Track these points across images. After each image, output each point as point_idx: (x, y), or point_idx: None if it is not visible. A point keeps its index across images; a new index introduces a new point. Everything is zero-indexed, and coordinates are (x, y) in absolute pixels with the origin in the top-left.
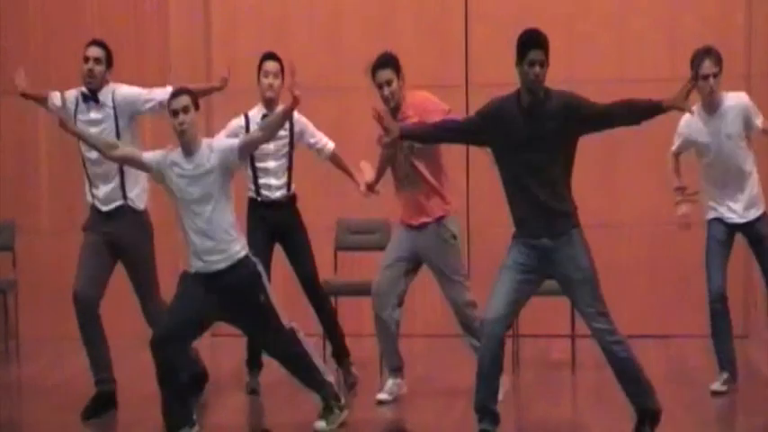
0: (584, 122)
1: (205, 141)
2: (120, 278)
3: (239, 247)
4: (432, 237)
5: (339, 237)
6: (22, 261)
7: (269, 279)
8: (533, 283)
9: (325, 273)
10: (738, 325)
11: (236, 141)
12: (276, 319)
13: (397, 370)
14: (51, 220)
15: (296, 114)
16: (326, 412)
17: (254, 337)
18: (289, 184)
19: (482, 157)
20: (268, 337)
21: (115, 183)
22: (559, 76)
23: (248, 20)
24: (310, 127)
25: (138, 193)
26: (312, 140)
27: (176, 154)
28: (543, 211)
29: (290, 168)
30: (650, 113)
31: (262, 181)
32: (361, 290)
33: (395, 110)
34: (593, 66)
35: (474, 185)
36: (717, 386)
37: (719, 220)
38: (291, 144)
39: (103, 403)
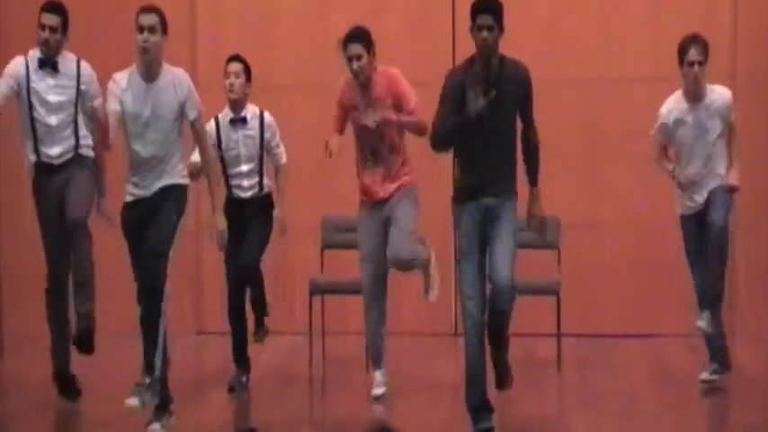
0: (520, 106)
1: (170, 69)
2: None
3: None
4: (398, 196)
5: (325, 235)
6: (6, 256)
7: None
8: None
9: (312, 272)
10: (724, 325)
11: (195, 113)
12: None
13: (382, 361)
14: (34, 215)
15: (268, 119)
16: (159, 413)
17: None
18: (261, 184)
19: None
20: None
21: (70, 141)
22: (542, 75)
23: (233, 16)
24: (277, 136)
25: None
26: (274, 148)
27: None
28: (497, 174)
29: (260, 170)
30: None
31: (234, 182)
32: (347, 289)
33: (364, 85)
34: (577, 64)
35: None
36: (705, 375)
37: (689, 218)
38: (262, 147)
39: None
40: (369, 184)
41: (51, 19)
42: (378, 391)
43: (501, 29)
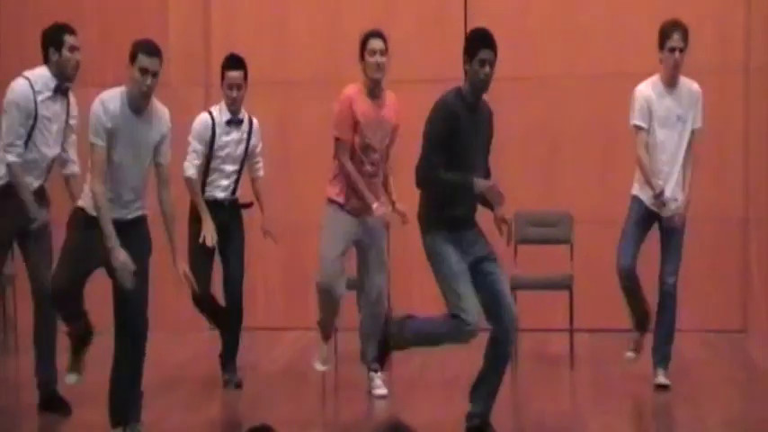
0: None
1: (156, 104)
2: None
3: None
4: (379, 223)
5: None
6: (20, 256)
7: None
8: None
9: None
10: (738, 320)
11: (168, 157)
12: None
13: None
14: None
15: (256, 125)
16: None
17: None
18: (235, 188)
19: None
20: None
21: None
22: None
23: (247, 16)
24: (259, 146)
25: None
26: (257, 156)
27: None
28: (474, 207)
29: (239, 174)
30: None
31: (214, 181)
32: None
33: (376, 84)
34: (588, 60)
35: None
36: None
37: (644, 207)
38: (246, 152)
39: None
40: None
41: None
42: (380, 391)
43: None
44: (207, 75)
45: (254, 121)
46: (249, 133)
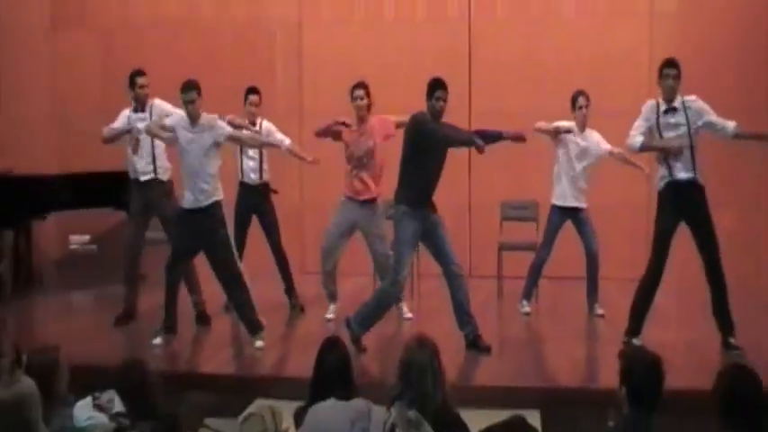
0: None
1: (205, 116)
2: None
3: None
4: (372, 212)
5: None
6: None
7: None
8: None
9: None
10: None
11: (227, 130)
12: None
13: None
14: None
15: (265, 126)
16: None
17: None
18: (261, 171)
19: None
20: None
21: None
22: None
23: (328, 62)
24: (273, 130)
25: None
26: (275, 139)
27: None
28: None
29: (260, 159)
30: None
31: (245, 165)
32: None
33: (361, 120)
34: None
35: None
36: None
37: (559, 207)
38: (261, 155)
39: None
40: (351, 183)
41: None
42: (329, 315)
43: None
44: (300, 105)
45: (264, 122)
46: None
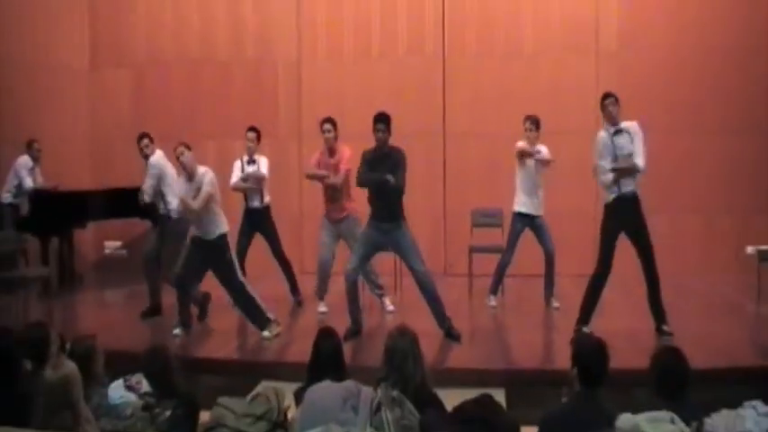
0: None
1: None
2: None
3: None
4: (349, 224)
5: None
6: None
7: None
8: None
9: None
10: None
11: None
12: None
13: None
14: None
15: (263, 162)
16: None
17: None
18: (262, 198)
19: None
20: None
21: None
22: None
23: (322, 90)
24: (263, 165)
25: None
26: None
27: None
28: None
29: (262, 196)
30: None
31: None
32: None
33: (331, 150)
34: None
35: None
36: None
37: (522, 214)
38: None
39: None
40: (329, 209)
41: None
42: (323, 309)
43: (389, 131)
44: (299, 132)
45: (263, 159)
46: (259, 167)
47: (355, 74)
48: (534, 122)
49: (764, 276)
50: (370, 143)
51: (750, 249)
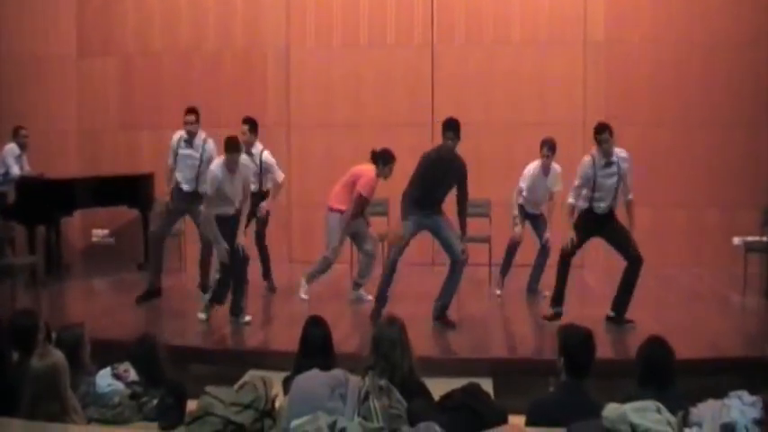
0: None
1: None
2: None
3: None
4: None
5: None
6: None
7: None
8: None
9: None
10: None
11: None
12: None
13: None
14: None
15: (266, 156)
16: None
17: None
18: (260, 188)
19: None
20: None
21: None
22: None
23: (313, 85)
24: (272, 164)
25: None
26: (274, 174)
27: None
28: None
29: (261, 183)
30: None
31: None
32: None
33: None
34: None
35: None
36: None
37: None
38: (261, 174)
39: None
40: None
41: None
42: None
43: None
44: (288, 120)
45: (266, 153)
46: (261, 164)
47: (344, 62)
48: (551, 148)
49: (751, 267)
50: (357, 131)
51: (737, 240)
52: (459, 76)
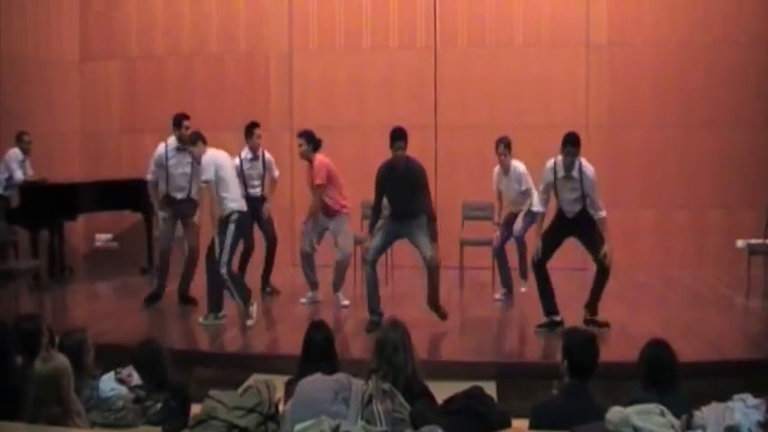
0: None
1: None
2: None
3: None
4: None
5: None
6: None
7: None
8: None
9: None
10: (580, 262)
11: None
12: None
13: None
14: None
15: (267, 157)
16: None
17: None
18: (262, 189)
19: None
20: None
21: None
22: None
23: (316, 88)
24: (272, 164)
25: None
26: (272, 172)
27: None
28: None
29: (262, 183)
30: None
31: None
32: None
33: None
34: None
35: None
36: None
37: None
38: (263, 172)
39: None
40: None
41: None
42: (344, 302)
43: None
44: (291, 124)
45: (266, 154)
46: (263, 164)
47: (347, 66)
48: (507, 146)
49: (754, 270)
50: (361, 134)
51: (740, 243)
52: (462, 79)
